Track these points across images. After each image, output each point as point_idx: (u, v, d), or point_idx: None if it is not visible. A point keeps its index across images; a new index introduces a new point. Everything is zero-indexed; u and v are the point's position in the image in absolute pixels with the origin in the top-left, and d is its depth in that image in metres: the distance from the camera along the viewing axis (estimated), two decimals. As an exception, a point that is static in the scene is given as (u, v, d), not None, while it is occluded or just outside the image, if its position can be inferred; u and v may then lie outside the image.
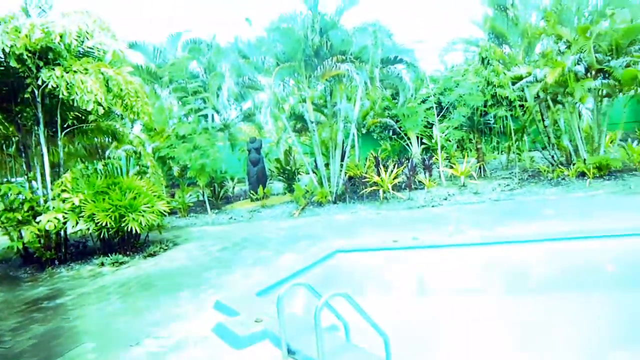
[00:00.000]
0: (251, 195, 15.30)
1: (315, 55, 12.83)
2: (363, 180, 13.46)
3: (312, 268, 7.03)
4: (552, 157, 13.81)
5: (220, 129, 17.52)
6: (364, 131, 18.96)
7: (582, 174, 11.83)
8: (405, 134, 17.57)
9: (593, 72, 11.81)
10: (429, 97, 15.61)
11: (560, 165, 13.01)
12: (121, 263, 8.70)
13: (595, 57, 11.59)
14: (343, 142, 13.66)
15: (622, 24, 11.65)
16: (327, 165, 13.69)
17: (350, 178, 14.22)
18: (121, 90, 8.70)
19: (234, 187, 17.65)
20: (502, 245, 7.48)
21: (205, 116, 16.53)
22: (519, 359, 4.68)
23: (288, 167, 16.35)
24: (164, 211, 9.77)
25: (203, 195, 14.66)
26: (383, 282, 7.44)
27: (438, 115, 15.18)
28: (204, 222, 12.80)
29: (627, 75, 11.14)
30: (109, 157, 12.19)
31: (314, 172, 13.99)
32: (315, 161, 14.20)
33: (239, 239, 10.01)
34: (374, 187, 12.70)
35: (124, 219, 8.92)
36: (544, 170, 12.91)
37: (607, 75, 11.69)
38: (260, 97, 18.25)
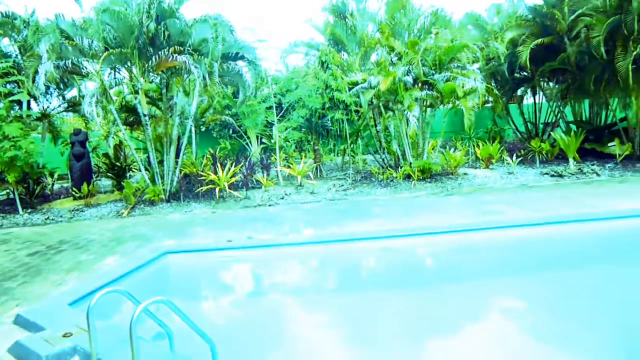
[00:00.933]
0: (74, 192, 13.77)
1: (151, 44, 11.97)
2: (199, 179, 12.92)
3: (137, 272, 6.40)
4: (383, 160, 14.68)
5: (38, 118, 15.52)
6: (202, 128, 18.31)
7: (408, 176, 12.73)
8: (245, 133, 17.36)
9: (420, 84, 12.78)
10: (269, 96, 15.59)
11: (389, 168, 13.86)
12: None
13: (422, 70, 12.55)
14: (179, 138, 12.97)
15: (444, 43, 12.81)
16: (161, 162, 12.87)
17: (186, 176, 13.56)
18: None
19: (53, 184, 15.76)
20: (336, 243, 7.63)
21: (19, 103, 14.51)
22: (349, 354, 4.69)
23: (118, 163, 15.08)
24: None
25: (14, 193, 12.81)
26: (216, 283, 7.08)
27: (278, 116, 15.23)
28: (13, 223, 11.16)
29: (447, 88, 12.24)
30: None
31: (146, 169, 13.06)
32: (148, 157, 13.28)
33: (55, 241, 8.83)
34: (211, 186, 12.25)
35: None
36: (375, 172, 13.64)
37: (431, 87, 12.73)
38: (88, 86, 16.59)
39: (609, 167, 13.67)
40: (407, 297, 6.07)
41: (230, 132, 19.10)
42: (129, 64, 12.36)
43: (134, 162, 15.39)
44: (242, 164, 13.44)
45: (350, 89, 13.55)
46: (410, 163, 13.16)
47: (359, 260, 7.69)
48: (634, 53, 12.34)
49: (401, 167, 13.23)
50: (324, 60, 13.56)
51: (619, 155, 14.08)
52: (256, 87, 15.55)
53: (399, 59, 13.33)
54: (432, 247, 7.77)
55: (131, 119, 14.93)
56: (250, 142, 17.63)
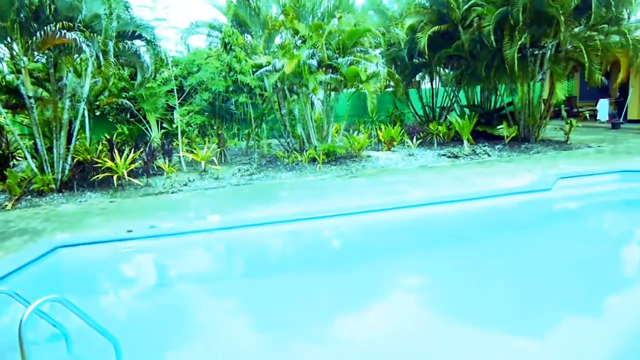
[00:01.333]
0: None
1: (35, 18, 10.93)
2: (95, 166, 12.09)
3: (26, 269, 5.87)
4: (288, 144, 14.64)
5: None
6: (97, 112, 17.16)
7: (314, 160, 12.81)
8: (144, 117, 16.53)
9: (324, 67, 12.84)
10: (170, 79, 14.91)
11: (295, 152, 13.85)
12: None
13: (327, 53, 12.60)
14: (70, 123, 12.02)
15: (348, 27, 12.95)
16: (49, 148, 11.87)
17: (80, 163, 12.61)
18: None
19: None
20: (243, 229, 7.49)
21: None
22: (260, 339, 4.62)
23: (-1, 150, 13.74)
24: None
25: None
26: (117, 277, 6.69)
27: (179, 99, 14.64)
28: None
29: (350, 72, 12.41)
30: None
31: (33, 157, 11.99)
32: (35, 144, 12.19)
33: None
34: (108, 174, 11.53)
35: None
36: (281, 156, 13.58)
37: (335, 71, 12.84)
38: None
39: (498, 148, 14.65)
40: (316, 279, 6.11)
41: (128, 116, 18.08)
42: (8, 39, 11.22)
43: (18, 149, 14.09)
44: (141, 149, 12.76)
45: (254, 72, 13.30)
46: (315, 146, 13.24)
47: (267, 245, 7.63)
48: (519, 42, 13.23)
49: (306, 151, 13.28)
50: (227, 42, 13.15)
51: (507, 137, 15.12)
52: (156, 69, 14.75)
53: (303, 42, 13.28)
54: (340, 228, 7.90)
55: (13, 101, 13.59)
56: (150, 126, 16.80)
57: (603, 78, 14.38)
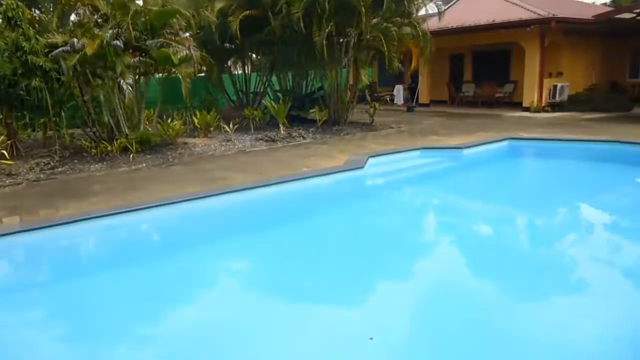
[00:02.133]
0: None
1: None
2: None
3: None
4: (94, 133, 13.34)
5: None
6: None
7: (126, 149, 11.90)
8: None
9: (131, 49, 11.91)
10: None
11: (103, 141, 12.68)
12: None
13: (134, 34, 11.70)
14: None
15: (155, 7, 12.21)
16: None
17: None
18: None
19: None
20: (47, 230, 6.59)
21: None
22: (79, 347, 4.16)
23: None
24: None
25: None
26: None
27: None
28: None
29: (161, 55, 11.75)
30: None
31: None
32: None
33: None
34: None
35: None
36: (87, 147, 12.33)
37: (144, 54, 12.02)
38: None
39: (312, 130, 15.32)
40: (135, 276, 5.74)
41: None
42: None
43: None
44: None
45: (48, 53, 11.75)
46: (127, 135, 12.31)
47: (82, 245, 6.94)
48: (327, 30, 13.91)
49: (117, 140, 12.26)
50: (10, 17, 11.37)
51: (319, 120, 15.86)
52: None
53: (105, 20, 12.15)
54: (162, 219, 7.48)
55: None
56: None
57: (400, 65, 15.96)
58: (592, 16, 19.11)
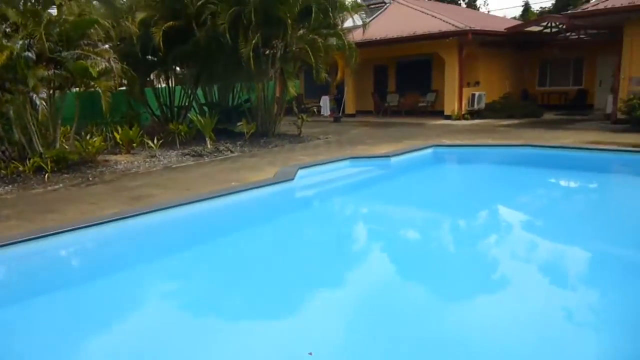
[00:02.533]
0: None
1: None
2: None
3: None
4: (3, 152, 12.42)
5: None
6: None
7: (40, 169, 11.15)
8: None
9: (45, 61, 11.21)
10: None
11: (14, 161, 11.83)
12: None
13: (48, 45, 11.02)
14: None
15: (72, 16, 11.59)
16: None
17: None
18: None
19: None
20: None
21: None
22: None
23: None
24: None
25: None
26: None
27: None
28: None
29: (78, 67, 11.13)
30: None
31: None
32: None
33: None
34: None
35: None
36: (-5, 168, 11.45)
37: (59, 67, 11.37)
38: None
39: (239, 144, 15.10)
40: (53, 307, 5.31)
41: None
42: None
43: None
44: None
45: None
46: (41, 153, 11.56)
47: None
48: (253, 42, 13.79)
49: (29, 159, 11.47)
50: None
51: (247, 133, 15.66)
52: None
53: (16, 30, 11.38)
54: (80, 244, 7.00)
55: None
56: None
57: (327, 76, 16.12)
58: (505, 29, 20.41)
